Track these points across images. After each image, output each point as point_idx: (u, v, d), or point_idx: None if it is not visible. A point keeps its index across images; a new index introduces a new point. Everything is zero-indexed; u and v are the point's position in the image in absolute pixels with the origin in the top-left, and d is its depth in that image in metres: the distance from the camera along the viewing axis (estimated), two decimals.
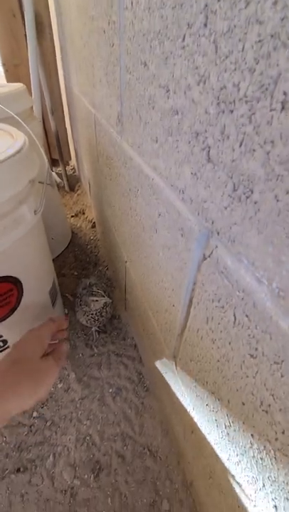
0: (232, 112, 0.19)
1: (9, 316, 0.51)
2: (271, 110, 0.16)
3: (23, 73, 1.15)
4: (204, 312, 0.29)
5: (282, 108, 0.15)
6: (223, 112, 0.20)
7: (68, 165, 1.63)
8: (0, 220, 0.40)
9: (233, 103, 0.19)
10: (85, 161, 1.14)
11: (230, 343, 0.25)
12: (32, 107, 0.84)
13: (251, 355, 0.22)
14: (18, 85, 0.79)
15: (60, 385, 0.64)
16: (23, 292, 0.51)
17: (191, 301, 0.32)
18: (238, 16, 0.17)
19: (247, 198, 0.19)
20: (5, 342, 0.53)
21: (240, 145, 0.19)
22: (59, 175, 1.47)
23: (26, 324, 0.57)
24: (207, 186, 0.24)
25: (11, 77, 1.16)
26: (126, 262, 0.66)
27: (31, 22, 0.98)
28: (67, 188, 1.46)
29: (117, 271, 0.82)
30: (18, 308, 0.52)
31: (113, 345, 0.73)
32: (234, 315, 0.24)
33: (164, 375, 0.51)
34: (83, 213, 1.28)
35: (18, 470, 0.51)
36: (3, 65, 1.13)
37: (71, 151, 1.50)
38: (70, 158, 1.54)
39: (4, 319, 0.50)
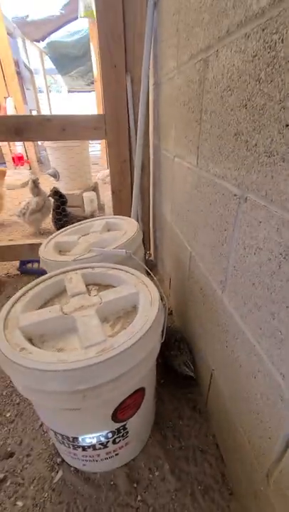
0: None
1: (134, 414, 0.70)
2: None
3: (124, 195, 1.58)
4: None
5: None
6: None
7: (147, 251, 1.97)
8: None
9: None
10: (166, 261, 1.41)
11: None
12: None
13: None
14: (133, 224, 1.12)
15: (157, 473, 0.78)
16: (144, 395, 0.71)
17: None
18: None
19: None
20: (127, 433, 0.72)
21: None
22: None
23: (143, 419, 0.75)
24: None
25: (116, 198, 1.59)
26: (213, 370, 0.83)
27: (139, 167, 1.40)
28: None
29: (200, 368, 0.98)
30: (140, 407, 0.71)
31: (196, 440, 0.86)
32: None
33: (251, 488, 0.62)
34: (161, 299, 1.52)
35: None
36: (112, 191, 1.56)
37: (151, 243, 1.84)
38: (150, 249, 1.88)
39: (131, 417, 0.70)
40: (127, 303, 0.73)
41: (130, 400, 0.65)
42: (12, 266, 1.88)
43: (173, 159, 1.07)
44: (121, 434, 0.71)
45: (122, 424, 0.68)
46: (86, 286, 0.81)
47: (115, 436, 0.70)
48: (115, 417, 0.65)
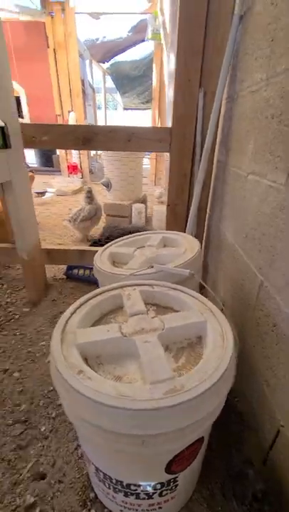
0: None
1: (188, 466, 0.60)
2: None
3: (179, 210, 1.52)
4: None
5: None
6: None
7: None
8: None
9: None
10: (221, 285, 1.30)
11: None
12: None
13: None
14: (194, 242, 1.05)
15: None
16: (202, 446, 0.60)
17: None
18: None
19: None
20: (176, 486, 0.61)
21: None
22: None
23: (194, 471, 0.64)
24: None
25: (171, 211, 1.53)
26: (282, 426, 0.69)
27: (201, 183, 1.34)
28: None
29: (258, 416, 0.83)
30: (195, 459, 0.60)
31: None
32: None
33: None
34: None
35: None
36: (168, 204, 1.51)
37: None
38: None
39: (185, 469, 0.59)
40: (191, 332, 0.64)
41: (188, 450, 0.55)
42: (59, 269, 1.91)
43: (246, 177, 0.99)
44: (170, 487, 0.60)
45: (174, 476, 0.58)
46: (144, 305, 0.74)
47: (163, 489, 0.60)
48: (169, 468, 0.55)
